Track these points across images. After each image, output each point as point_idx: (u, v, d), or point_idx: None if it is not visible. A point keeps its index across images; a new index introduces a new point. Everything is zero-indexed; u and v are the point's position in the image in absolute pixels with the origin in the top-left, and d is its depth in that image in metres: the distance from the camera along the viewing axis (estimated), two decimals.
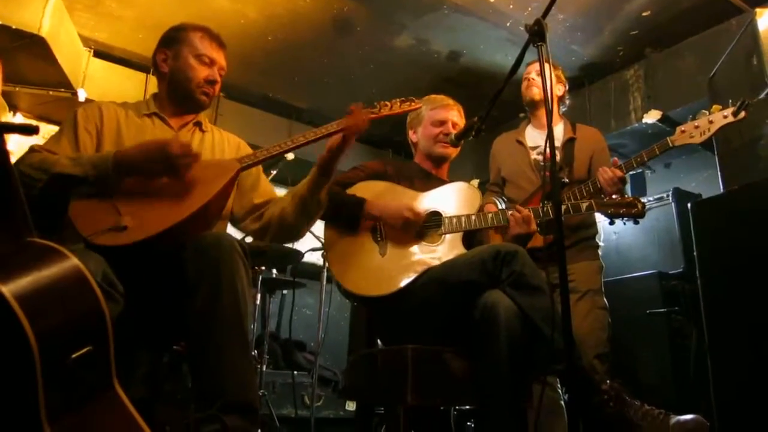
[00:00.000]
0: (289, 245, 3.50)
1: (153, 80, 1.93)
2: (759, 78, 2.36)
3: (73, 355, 0.91)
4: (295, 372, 3.83)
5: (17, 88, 3.62)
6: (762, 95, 2.31)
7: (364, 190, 2.03)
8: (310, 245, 3.63)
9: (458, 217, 1.97)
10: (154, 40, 1.83)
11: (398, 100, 1.84)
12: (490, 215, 1.98)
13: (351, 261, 1.93)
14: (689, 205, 2.39)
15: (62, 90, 3.72)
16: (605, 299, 2.40)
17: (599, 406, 1.66)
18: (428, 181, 2.15)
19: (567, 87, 2.67)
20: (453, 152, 2.18)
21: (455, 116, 2.19)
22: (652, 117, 3.95)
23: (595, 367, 2.20)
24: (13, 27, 3.05)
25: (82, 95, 3.74)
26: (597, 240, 2.52)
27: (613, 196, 2.01)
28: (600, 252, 2.52)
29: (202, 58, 1.77)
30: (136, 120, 1.75)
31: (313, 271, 4.12)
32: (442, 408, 2.12)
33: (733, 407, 1.98)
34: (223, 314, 1.38)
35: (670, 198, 3.42)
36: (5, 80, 3.37)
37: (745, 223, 2.09)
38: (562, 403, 2.26)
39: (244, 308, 1.41)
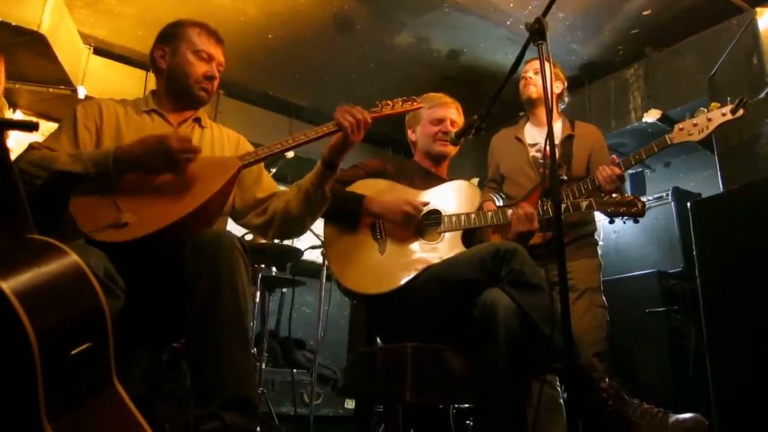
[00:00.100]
0: (289, 243, 3.50)
1: (153, 77, 1.93)
2: (759, 77, 2.36)
3: (73, 352, 0.91)
4: (295, 370, 3.83)
5: (17, 85, 3.61)
6: (762, 94, 2.31)
7: (364, 187, 2.03)
8: (309, 243, 3.63)
9: (458, 216, 1.97)
10: (154, 37, 1.83)
11: (400, 99, 1.84)
12: (489, 213, 1.97)
13: (350, 259, 1.93)
14: (689, 204, 2.39)
15: (62, 87, 3.70)
16: (604, 297, 2.41)
17: (598, 404, 1.66)
18: (428, 180, 2.15)
19: (565, 84, 2.66)
20: (452, 150, 2.18)
21: (454, 114, 2.19)
22: (652, 116, 3.94)
23: (594, 365, 2.21)
24: (13, 24, 3.04)
25: (81, 92, 3.73)
26: (596, 237, 2.53)
27: (613, 195, 2.01)
28: (599, 251, 2.52)
29: (201, 54, 1.77)
30: (136, 117, 1.76)
31: (313, 269, 4.12)
32: (441, 406, 2.12)
33: (731, 406, 1.98)
34: (223, 311, 1.38)
35: (670, 197, 3.41)
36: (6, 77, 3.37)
37: (744, 223, 2.09)
38: (561, 401, 2.26)
39: (244, 305, 1.41)
